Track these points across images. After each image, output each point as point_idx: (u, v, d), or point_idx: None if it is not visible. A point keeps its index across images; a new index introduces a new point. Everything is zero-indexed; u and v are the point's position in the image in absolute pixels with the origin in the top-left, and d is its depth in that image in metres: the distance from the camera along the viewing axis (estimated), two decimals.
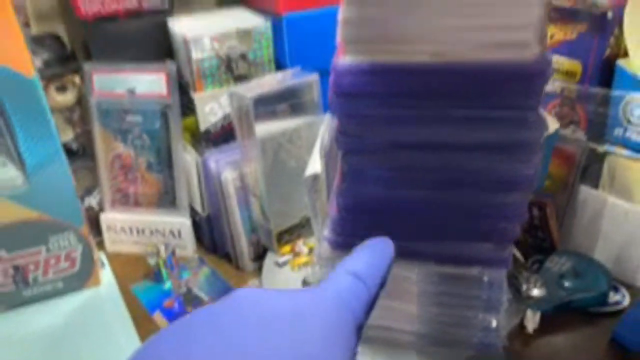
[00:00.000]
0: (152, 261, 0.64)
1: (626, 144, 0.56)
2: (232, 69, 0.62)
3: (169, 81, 0.62)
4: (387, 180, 0.40)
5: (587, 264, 0.58)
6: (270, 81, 0.58)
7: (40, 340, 0.55)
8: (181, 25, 0.62)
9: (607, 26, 0.53)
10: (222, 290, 0.62)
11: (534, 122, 0.36)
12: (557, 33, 0.58)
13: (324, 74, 0.61)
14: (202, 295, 0.61)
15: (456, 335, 0.45)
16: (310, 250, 0.61)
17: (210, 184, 0.63)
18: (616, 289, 0.58)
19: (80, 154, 0.70)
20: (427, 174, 0.39)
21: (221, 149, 0.64)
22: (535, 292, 0.53)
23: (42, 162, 0.52)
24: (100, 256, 0.66)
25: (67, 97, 0.64)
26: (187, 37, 0.58)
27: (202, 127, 0.64)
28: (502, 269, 0.42)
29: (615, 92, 0.55)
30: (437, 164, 0.38)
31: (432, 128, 0.37)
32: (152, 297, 0.61)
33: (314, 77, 0.59)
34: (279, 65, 0.65)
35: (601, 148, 0.58)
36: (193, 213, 0.68)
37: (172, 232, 0.68)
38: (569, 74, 0.59)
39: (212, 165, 0.62)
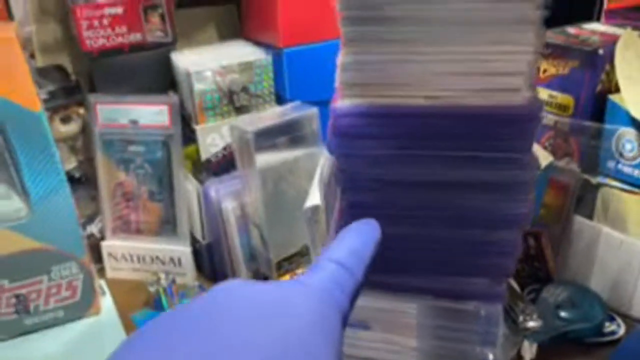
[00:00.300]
0: (152, 289, 0.64)
1: (619, 176, 0.57)
2: (233, 101, 0.63)
3: (171, 113, 0.63)
4: (385, 217, 0.40)
5: (583, 294, 0.59)
6: (270, 115, 0.59)
7: None
8: (184, 59, 0.64)
9: (598, 63, 0.55)
10: None
11: (526, 163, 0.37)
12: (550, 68, 0.59)
13: (323, 105, 0.63)
14: None
15: None
16: None
17: (211, 212, 0.64)
18: (612, 319, 0.59)
19: (82, 181, 0.71)
20: (424, 212, 0.40)
21: (222, 179, 0.65)
22: (532, 323, 0.53)
23: (46, 193, 0.53)
24: (101, 284, 0.66)
25: (71, 128, 0.66)
26: (189, 71, 0.59)
27: (203, 156, 0.65)
28: (498, 304, 0.42)
29: (608, 126, 0.56)
30: (433, 202, 0.39)
31: (428, 168, 0.38)
32: None
33: (313, 111, 0.60)
34: (279, 97, 0.67)
35: (594, 180, 0.59)
36: (193, 241, 0.69)
37: (172, 260, 0.68)
38: (562, 107, 0.60)
39: (213, 194, 0.63)
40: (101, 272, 0.70)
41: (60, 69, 0.67)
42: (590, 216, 0.62)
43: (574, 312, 0.56)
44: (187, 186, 0.66)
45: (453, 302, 0.43)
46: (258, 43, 0.68)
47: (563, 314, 0.56)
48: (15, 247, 0.55)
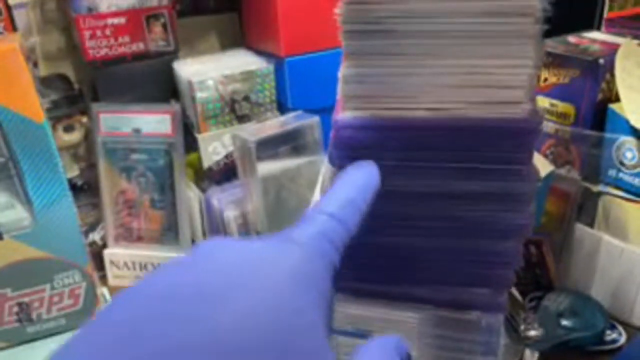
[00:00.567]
0: None
1: (619, 185, 0.57)
2: (235, 109, 0.64)
3: (173, 121, 0.64)
4: (386, 228, 0.41)
5: (585, 303, 0.59)
6: (272, 124, 0.59)
7: None
8: (186, 68, 0.64)
9: (598, 72, 0.55)
10: None
11: (526, 175, 0.37)
12: (551, 77, 0.60)
13: (324, 113, 0.63)
14: None
15: None
16: None
17: (213, 221, 0.64)
18: (613, 327, 0.59)
19: (85, 189, 0.72)
20: (425, 222, 0.40)
21: (223, 187, 0.65)
22: (533, 332, 0.53)
23: (49, 203, 0.54)
24: (103, 292, 0.67)
25: (74, 137, 0.66)
26: (192, 80, 0.60)
27: (205, 165, 0.65)
28: (499, 314, 0.43)
29: (608, 135, 0.56)
30: (434, 212, 0.40)
31: (429, 179, 0.39)
32: None
33: (315, 120, 0.60)
34: (281, 105, 0.67)
35: (595, 188, 0.60)
36: None
37: None
38: (563, 116, 0.60)
39: (215, 202, 0.63)
40: (103, 279, 0.70)
41: (63, 77, 0.67)
42: (591, 224, 0.62)
43: (575, 321, 0.56)
44: (189, 194, 0.66)
45: (454, 312, 0.43)
46: (260, 52, 0.69)
47: (564, 322, 0.56)
48: (19, 256, 0.55)
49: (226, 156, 0.65)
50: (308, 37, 0.63)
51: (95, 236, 0.71)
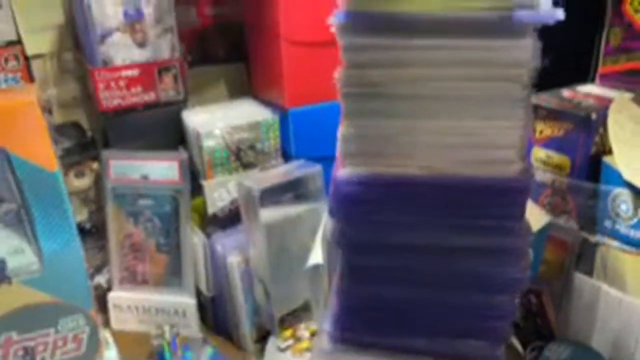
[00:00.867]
0: (155, 342, 0.65)
1: (616, 235, 0.58)
2: (240, 157, 0.66)
3: (181, 169, 0.66)
4: (385, 280, 0.42)
5: (585, 353, 0.59)
6: (276, 173, 0.61)
7: None
8: (194, 118, 0.67)
9: (591, 127, 0.57)
10: None
11: (518, 231, 0.39)
12: (546, 129, 0.62)
13: (326, 161, 0.65)
14: None
15: None
16: (312, 335, 0.62)
17: (216, 266, 0.66)
18: None
19: (92, 232, 0.73)
20: (422, 275, 0.41)
21: (228, 232, 0.66)
22: None
23: (58, 249, 0.55)
24: (106, 336, 0.67)
25: (84, 182, 0.68)
26: (199, 131, 0.62)
27: (210, 211, 0.67)
28: None
29: (603, 187, 0.58)
30: (430, 265, 0.41)
31: (425, 233, 0.40)
32: None
33: (317, 169, 0.62)
34: (285, 153, 0.70)
35: (593, 238, 0.60)
36: (198, 293, 0.70)
37: (177, 312, 0.69)
38: (558, 167, 0.62)
39: (219, 248, 0.65)
40: (106, 322, 0.71)
41: (76, 125, 0.70)
42: (590, 273, 0.62)
43: None
44: (194, 239, 0.67)
45: None
46: (265, 102, 0.72)
47: None
48: (26, 300, 0.56)
49: (231, 202, 0.67)
50: (311, 90, 0.66)
51: (101, 279, 0.72)
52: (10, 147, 0.51)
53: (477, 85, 0.36)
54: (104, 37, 0.62)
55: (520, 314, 0.64)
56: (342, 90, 0.38)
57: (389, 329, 0.44)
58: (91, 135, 0.71)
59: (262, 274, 0.63)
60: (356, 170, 0.40)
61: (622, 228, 0.57)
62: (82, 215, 0.72)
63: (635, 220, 0.56)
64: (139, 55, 0.65)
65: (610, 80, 0.67)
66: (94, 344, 0.62)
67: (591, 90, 0.66)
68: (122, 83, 0.64)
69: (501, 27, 0.34)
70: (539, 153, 0.64)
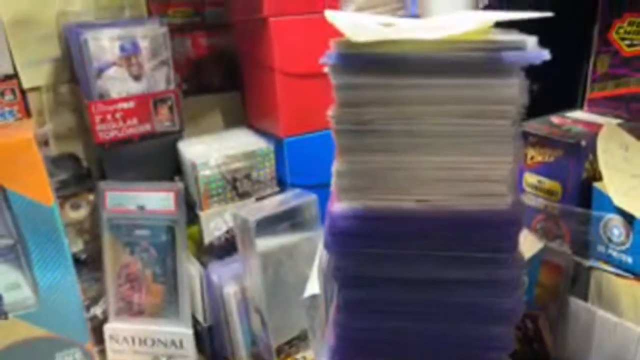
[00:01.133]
0: None
1: (609, 260, 0.59)
2: (236, 187, 0.66)
3: (177, 199, 0.66)
4: (381, 313, 0.42)
5: None
6: (271, 203, 0.62)
7: None
8: (190, 149, 0.67)
9: (581, 154, 0.58)
10: None
11: (512, 262, 0.39)
12: (536, 156, 0.62)
13: (321, 189, 0.66)
14: None
15: None
16: None
17: (213, 296, 0.65)
18: None
19: (88, 263, 0.73)
20: (418, 308, 0.42)
21: (224, 262, 0.67)
22: None
23: (54, 283, 0.55)
24: None
25: (80, 214, 0.68)
26: (195, 162, 0.63)
27: (207, 240, 0.67)
28: None
29: (595, 213, 0.58)
30: (426, 298, 0.41)
31: (420, 266, 0.40)
32: None
33: (312, 198, 0.63)
34: (280, 181, 0.70)
35: (586, 262, 0.61)
36: (195, 323, 0.69)
37: (174, 342, 0.69)
38: (550, 193, 0.63)
39: (215, 278, 0.65)
40: (102, 353, 0.70)
41: (72, 156, 0.71)
42: (585, 298, 0.63)
43: None
44: (190, 269, 0.68)
45: None
46: (260, 131, 0.72)
47: None
48: (23, 335, 0.56)
49: (227, 231, 0.67)
50: (305, 119, 0.67)
51: (97, 310, 0.72)
52: (7, 183, 0.51)
53: (468, 122, 0.37)
54: (100, 71, 0.63)
55: (517, 339, 0.64)
56: (335, 127, 0.38)
57: None
58: (87, 167, 0.71)
59: (258, 303, 0.63)
60: (351, 204, 0.40)
61: (615, 253, 0.58)
62: (77, 246, 0.72)
63: (627, 245, 0.57)
64: (135, 87, 0.66)
65: (599, 105, 0.68)
66: None
67: (580, 116, 0.67)
68: (118, 115, 0.65)
69: (490, 67, 0.35)
70: (531, 178, 0.65)
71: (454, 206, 0.39)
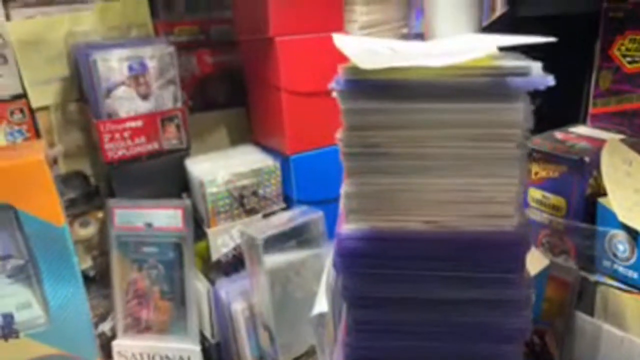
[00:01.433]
0: None
1: (615, 275, 0.59)
2: (243, 204, 0.67)
3: (184, 216, 0.67)
4: (390, 333, 0.43)
5: None
6: (279, 220, 0.62)
7: None
8: (197, 166, 0.68)
9: (584, 170, 0.59)
10: None
11: (520, 282, 0.40)
12: (541, 171, 0.63)
13: (327, 204, 0.66)
14: None
15: None
16: None
17: (220, 312, 0.66)
18: None
19: (96, 280, 0.74)
20: (427, 328, 0.42)
21: (232, 279, 0.67)
22: None
23: (64, 302, 0.56)
24: None
25: (89, 231, 0.69)
26: (202, 180, 0.63)
27: (214, 257, 0.68)
28: None
29: (600, 228, 0.59)
30: (434, 318, 0.42)
31: (428, 286, 0.41)
32: None
33: (319, 215, 0.63)
34: (287, 198, 0.71)
35: (592, 277, 0.61)
36: (203, 339, 0.70)
37: (181, 359, 0.69)
38: (555, 208, 0.63)
39: (223, 295, 0.65)
40: None
41: (81, 174, 0.71)
42: (591, 312, 0.63)
43: None
44: (198, 286, 0.68)
45: None
46: (266, 148, 0.73)
47: None
48: (32, 354, 0.57)
49: (234, 248, 0.68)
50: (310, 137, 0.68)
51: (105, 327, 0.72)
52: (18, 204, 0.52)
53: (474, 145, 0.37)
54: (109, 91, 0.64)
55: (525, 354, 0.64)
56: (344, 150, 0.39)
57: None
58: (95, 185, 0.72)
59: (266, 320, 0.63)
60: (359, 225, 0.41)
61: (620, 268, 0.58)
62: (86, 263, 0.72)
63: (632, 260, 0.57)
64: (143, 106, 0.67)
65: (601, 121, 0.69)
66: None
67: (583, 131, 0.68)
68: (126, 134, 0.66)
69: (496, 92, 0.35)
70: (535, 194, 0.65)
71: (461, 227, 0.39)
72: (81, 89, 0.72)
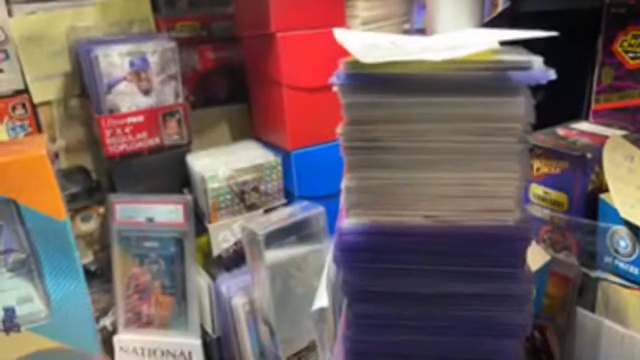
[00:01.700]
0: None
1: (616, 272, 0.59)
2: (245, 199, 0.67)
3: (186, 211, 0.67)
4: (390, 327, 0.43)
5: None
6: (280, 216, 0.62)
7: None
8: (199, 162, 0.68)
9: (587, 166, 0.58)
10: None
11: (520, 277, 0.40)
12: (543, 167, 0.63)
13: (328, 200, 0.66)
14: None
15: None
16: None
17: (222, 307, 0.66)
18: None
19: (98, 275, 0.74)
20: (427, 322, 0.42)
21: (233, 274, 0.67)
22: None
23: (66, 296, 0.56)
24: None
25: (91, 226, 0.69)
26: (204, 176, 0.63)
27: (215, 252, 0.68)
28: None
29: (602, 224, 0.59)
30: (434, 312, 0.42)
31: (428, 280, 0.41)
32: None
33: (320, 210, 0.63)
34: (288, 193, 0.71)
35: (594, 274, 0.61)
36: (204, 334, 0.70)
37: (183, 354, 0.70)
38: (557, 204, 0.63)
39: (224, 290, 0.65)
40: None
41: (82, 169, 0.72)
42: (592, 309, 0.63)
43: None
44: (199, 281, 0.68)
45: None
46: (267, 143, 0.73)
47: None
48: (34, 348, 0.57)
49: (235, 243, 0.68)
50: (312, 132, 0.68)
51: (107, 322, 0.72)
52: (20, 199, 0.52)
53: (475, 139, 0.37)
54: (110, 87, 0.64)
55: (525, 350, 0.64)
56: (344, 145, 0.39)
57: None
58: (97, 180, 0.72)
59: (267, 315, 0.63)
60: (360, 220, 0.41)
61: (622, 264, 0.58)
62: (87, 258, 0.73)
63: (634, 257, 0.57)
64: (144, 102, 0.67)
65: (604, 117, 0.69)
66: None
67: (585, 128, 0.68)
68: (128, 130, 0.66)
69: (497, 86, 0.35)
70: (537, 190, 0.65)
71: (462, 222, 0.39)
72: (83, 85, 0.72)
